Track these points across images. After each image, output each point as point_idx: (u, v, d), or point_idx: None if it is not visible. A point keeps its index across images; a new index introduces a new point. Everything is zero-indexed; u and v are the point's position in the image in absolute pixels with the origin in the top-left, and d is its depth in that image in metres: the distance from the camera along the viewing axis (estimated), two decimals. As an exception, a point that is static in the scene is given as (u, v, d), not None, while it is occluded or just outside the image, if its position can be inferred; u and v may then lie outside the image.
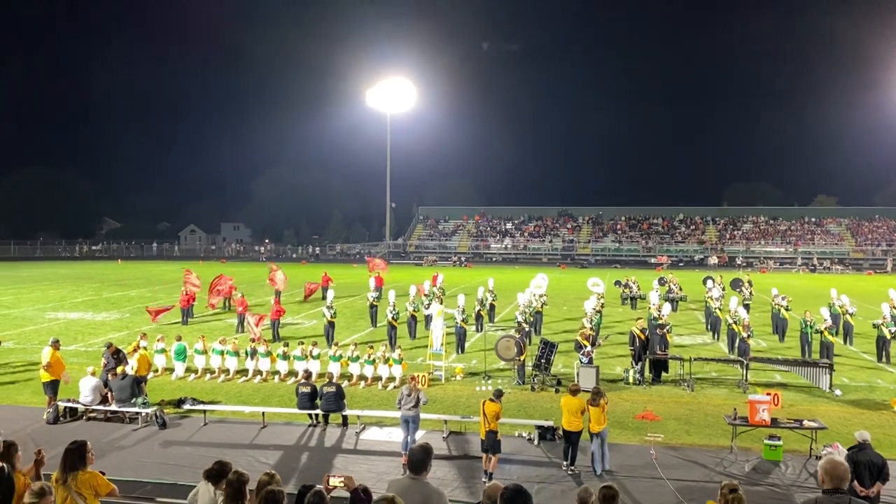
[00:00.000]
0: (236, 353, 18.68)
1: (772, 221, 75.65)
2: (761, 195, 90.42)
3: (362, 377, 17.85)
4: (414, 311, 24.42)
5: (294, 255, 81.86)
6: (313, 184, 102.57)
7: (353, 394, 16.49)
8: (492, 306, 28.03)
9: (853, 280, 49.03)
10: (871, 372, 19.42)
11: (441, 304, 22.72)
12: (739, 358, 18.33)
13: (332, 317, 23.23)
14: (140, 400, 14.57)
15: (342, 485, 5.79)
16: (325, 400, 14.18)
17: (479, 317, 26.03)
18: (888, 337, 20.66)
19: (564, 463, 11.86)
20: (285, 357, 18.39)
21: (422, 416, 12.99)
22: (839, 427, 13.95)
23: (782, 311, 24.38)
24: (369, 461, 12.39)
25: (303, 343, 18.95)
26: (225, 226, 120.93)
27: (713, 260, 66.14)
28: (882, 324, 20.84)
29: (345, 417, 14.33)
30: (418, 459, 5.91)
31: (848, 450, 9.82)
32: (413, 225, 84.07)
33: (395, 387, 17.11)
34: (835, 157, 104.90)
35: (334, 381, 14.92)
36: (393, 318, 23.05)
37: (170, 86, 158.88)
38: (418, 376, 15.10)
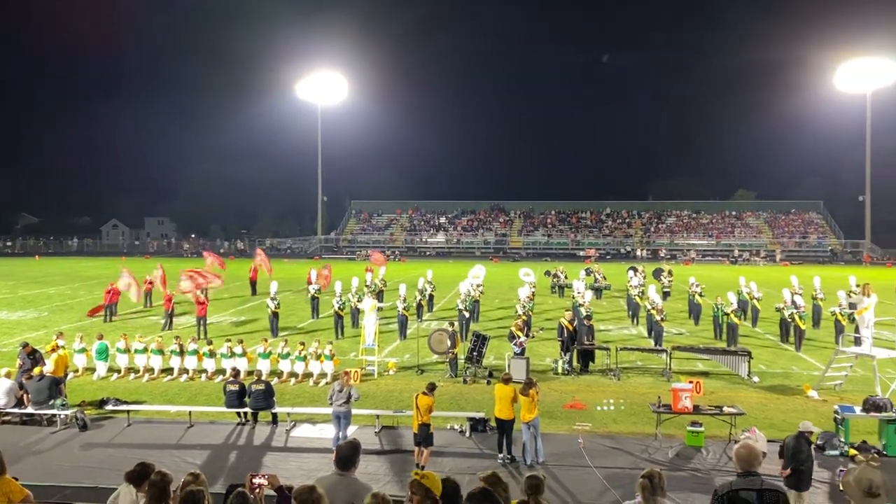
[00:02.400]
0: (161, 352, 18.16)
1: (694, 215, 78.28)
2: (685, 190, 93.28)
3: (293, 374, 17.62)
4: (339, 308, 24.18)
5: (221, 251, 79.98)
6: (242, 177, 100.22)
7: (283, 391, 16.26)
8: (430, 297, 28.91)
9: (769, 271, 51.27)
10: (788, 359, 20.33)
11: (375, 299, 22.66)
12: (663, 348, 18.95)
13: (276, 307, 23.89)
14: (59, 402, 13.99)
15: (266, 483, 5.70)
16: (253, 398, 13.93)
17: (419, 306, 26.89)
18: (789, 320, 22.31)
19: (500, 454, 11.99)
20: (212, 355, 17.98)
21: (354, 411, 12.94)
22: (756, 412, 14.56)
23: (696, 297, 26.36)
24: (300, 458, 12.25)
25: (230, 340, 18.56)
26: (149, 220, 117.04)
27: (642, 252, 67.96)
28: (783, 307, 22.51)
29: (274, 415, 14.11)
30: (346, 456, 5.87)
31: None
32: (346, 219, 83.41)
33: (326, 383, 16.95)
34: (754, 154, 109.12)
35: (263, 378, 14.67)
36: (339, 307, 23.75)
37: (92, 74, 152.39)
38: (350, 372, 14.99)
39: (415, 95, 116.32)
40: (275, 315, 23.93)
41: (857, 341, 16.39)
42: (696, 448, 12.53)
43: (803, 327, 21.93)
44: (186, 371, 17.96)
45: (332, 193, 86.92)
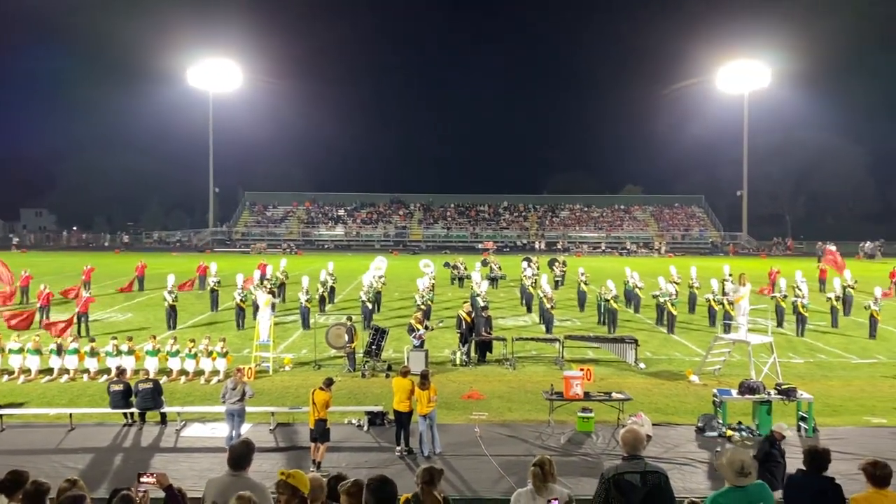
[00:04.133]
0: (38, 352, 17.06)
1: (586, 209, 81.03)
2: (578, 184, 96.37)
3: (183, 372, 16.98)
4: (241, 301, 23.73)
5: (105, 244, 76.00)
6: (128, 167, 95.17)
7: (173, 390, 15.66)
8: (332, 289, 28.90)
9: (654, 262, 53.82)
10: (671, 346, 21.42)
11: (270, 294, 22.21)
12: (556, 336, 19.55)
13: (173, 300, 23.50)
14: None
15: (154, 483, 5.49)
16: (140, 397, 13.33)
17: (322, 299, 27.12)
18: (662, 306, 24.12)
19: (398, 447, 12.01)
20: (94, 354, 17.05)
21: (248, 409, 12.62)
22: (642, 398, 15.25)
23: (581, 285, 28.17)
24: (191, 458, 11.83)
25: (116, 338, 17.67)
26: (25, 212, 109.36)
27: (541, 245, 69.60)
28: (659, 294, 24.33)
29: (163, 415, 13.56)
30: (238, 455, 5.73)
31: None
32: (239, 211, 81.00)
33: (219, 381, 16.44)
34: (641, 150, 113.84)
35: (151, 377, 14.07)
36: (241, 300, 23.69)
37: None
38: (244, 369, 14.59)
39: (312, 85, 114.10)
40: (172, 308, 23.49)
41: (728, 328, 17.47)
42: (586, 433, 12.99)
43: (674, 312, 23.66)
44: (67, 371, 16.97)
45: (225, 184, 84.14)
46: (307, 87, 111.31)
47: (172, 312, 23.52)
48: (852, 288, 26.91)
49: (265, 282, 27.81)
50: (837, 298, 25.34)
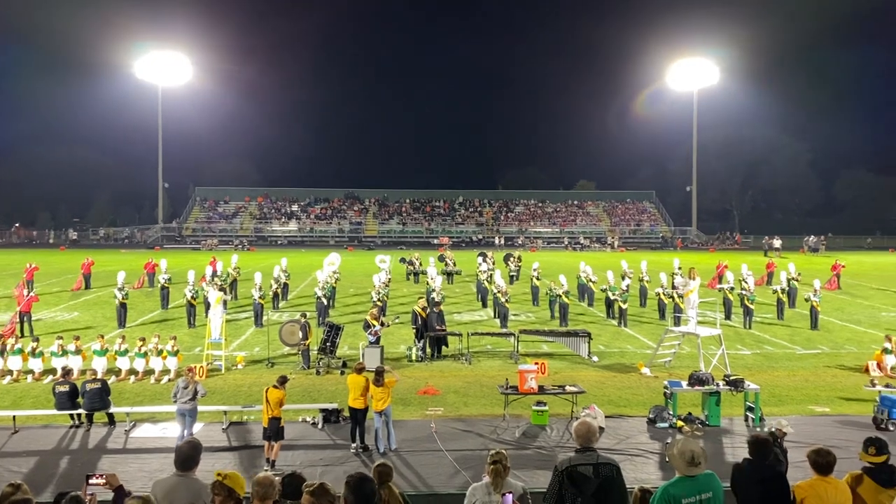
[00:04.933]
0: (-22, 353, 16.48)
1: (540, 204, 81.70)
2: (532, 180, 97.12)
3: (132, 371, 16.61)
4: (192, 298, 23.30)
5: (50, 241, 73.76)
6: (74, 162, 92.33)
7: (122, 390, 15.32)
8: (285, 285, 28.64)
9: (607, 256, 54.62)
10: (623, 339, 21.76)
11: (221, 291, 21.84)
12: (511, 331, 19.69)
13: (123, 298, 23.09)
14: None
15: (104, 484, 5.36)
16: (88, 398, 12.97)
17: (275, 295, 26.96)
18: (612, 299, 24.85)
19: (353, 444, 11.94)
20: (37, 354, 16.53)
21: (200, 408, 12.41)
22: (596, 390, 15.48)
23: (534, 280, 28.56)
24: (141, 460, 11.58)
25: (62, 338, 17.16)
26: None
27: (500, 241, 69.81)
28: (608, 288, 25.15)
29: (111, 415, 13.23)
30: (185, 456, 5.63)
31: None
32: (189, 207, 79.31)
33: (170, 380, 16.13)
34: (594, 146, 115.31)
35: (99, 377, 13.71)
36: (192, 297, 23.27)
37: None
38: (195, 367, 14.31)
39: (265, 79, 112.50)
40: (122, 306, 23.09)
41: (678, 321, 17.84)
42: (541, 426, 13.12)
43: (624, 306, 24.15)
44: (10, 372, 16.43)
45: (175, 180, 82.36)
46: (260, 81, 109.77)
47: (123, 310, 23.08)
48: (796, 281, 27.72)
49: (216, 279, 27.39)
50: (783, 291, 26.07)
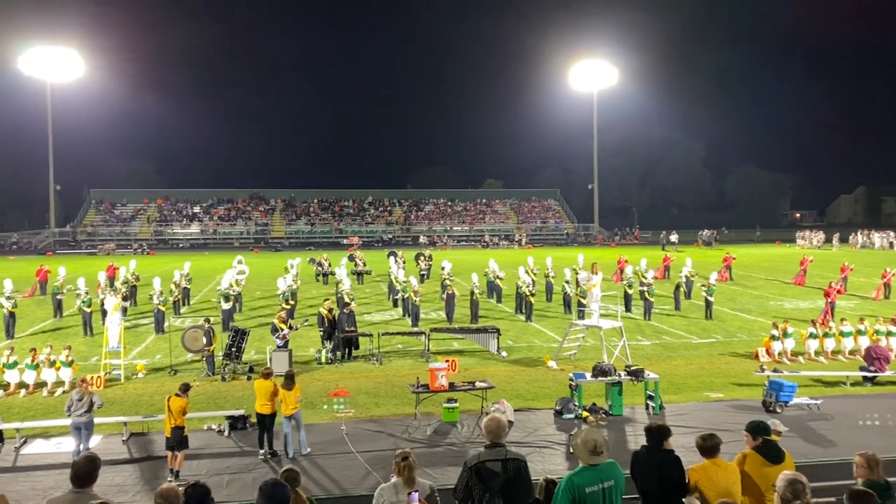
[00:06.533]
0: None
1: (450, 203, 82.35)
2: (441, 179, 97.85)
3: (22, 385, 15.67)
4: (88, 305, 22.21)
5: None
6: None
7: (10, 405, 14.48)
8: (187, 290, 27.84)
9: (514, 253, 55.64)
10: (531, 334, 22.24)
11: (119, 297, 20.92)
12: (422, 330, 19.77)
13: (12, 307, 21.96)
14: None
15: None
16: (-28, 416, 12.17)
17: (177, 301, 26.12)
18: (521, 294, 25.39)
19: (261, 451, 11.69)
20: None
21: (98, 420, 11.87)
22: (505, 385, 15.75)
23: (446, 280, 28.00)
24: (33, 478, 10.95)
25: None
26: None
27: (423, 239, 69.60)
28: (521, 284, 25.56)
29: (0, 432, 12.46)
30: (82, 471, 5.38)
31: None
32: (84, 209, 75.44)
33: (64, 392, 15.32)
34: (501, 146, 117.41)
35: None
36: (85, 304, 22.33)
37: None
38: (91, 378, 13.65)
39: (163, 75, 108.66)
40: (11, 315, 21.83)
41: (582, 314, 18.41)
42: (452, 423, 13.24)
43: (532, 301, 24.68)
44: None
45: (67, 181, 78.08)
46: (158, 78, 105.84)
47: (11, 320, 21.79)
48: (692, 274, 29.08)
49: (115, 284, 26.19)
50: (679, 283, 27.29)
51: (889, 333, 18.61)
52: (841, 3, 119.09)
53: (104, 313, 22.30)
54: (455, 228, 76.15)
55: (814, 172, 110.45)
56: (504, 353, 18.89)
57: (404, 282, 25.05)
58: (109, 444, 12.20)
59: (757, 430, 6.69)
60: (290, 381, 11.78)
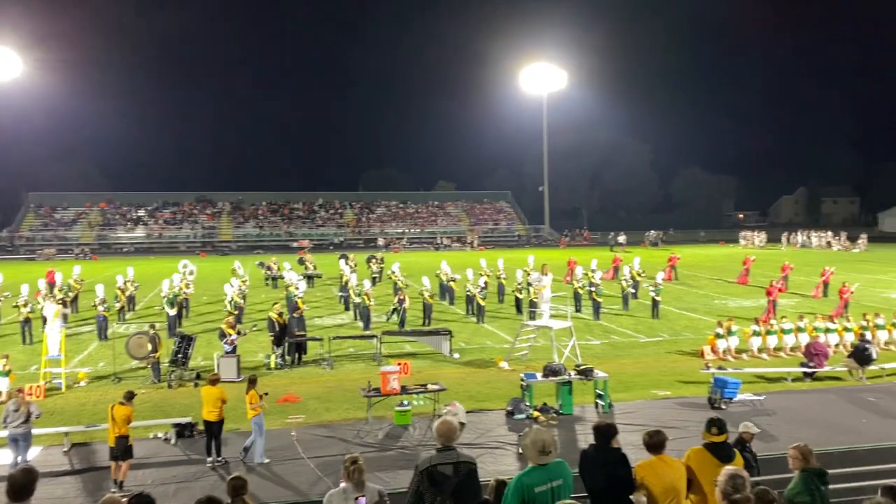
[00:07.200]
0: None
1: (402, 205, 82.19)
2: (393, 181, 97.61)
3: (-44, 396, 15.04)
4: (28, 312, 21.48)
5: None
6: None
7: (-58, 417, 13.82)
8: (132, 296, 27.16)
9: (467, 255, 55.85)
10: (482, 335, 22.34)
11: (60, 304, 20.29)
12: (373, 333, 19.67)
13: None
14: None
15: None
16: None
17: (122, 307, 25.68)
18: (471, 296, 25.61)
19: (209, 458, 11.47)
20: None
21: (36, 431, 11.47)
22: (457, 387, 15.77)
23: (399, 282, 28.38)
24: (-33, 494, 10.51)
25: None
26: None
27: (381, 241, 69.09)
28: (470, 286, 25.88)
29: (-70, 447, 11.93)
30: (19, 484, 5.18)
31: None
32: (22, 214, 72.87)
33: (0, 402, 14.75)
34: (452, 148, 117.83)
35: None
36: (29, 311, 21.63)
37: None
38: (29, 388, 13.20)
39: (105, 75, 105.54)
40: None
41: (533, 315, 18.59)
42: (404, 427, 13.21)
43: (483, 303, 24.90)
44: None
45: (3, 184, 75.39)
46: (99, 77, 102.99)
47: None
48: (639, 274, 29.61)
49: (55, 291, 25.36)
50: (627, 283, 27.78)
51: (827, 330, 19.28)
52: (782, 7, 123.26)
53: (44, 321, 21.64)
54: (408, 230, 75.99)
55: (756, 174, 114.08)
56: (456, 355, 18.93)
57: (357, 285, 24.83)
58: (49, 456, 11.82)
59: (713, 425, 6.73)
60: (252, 384, 11.85)
